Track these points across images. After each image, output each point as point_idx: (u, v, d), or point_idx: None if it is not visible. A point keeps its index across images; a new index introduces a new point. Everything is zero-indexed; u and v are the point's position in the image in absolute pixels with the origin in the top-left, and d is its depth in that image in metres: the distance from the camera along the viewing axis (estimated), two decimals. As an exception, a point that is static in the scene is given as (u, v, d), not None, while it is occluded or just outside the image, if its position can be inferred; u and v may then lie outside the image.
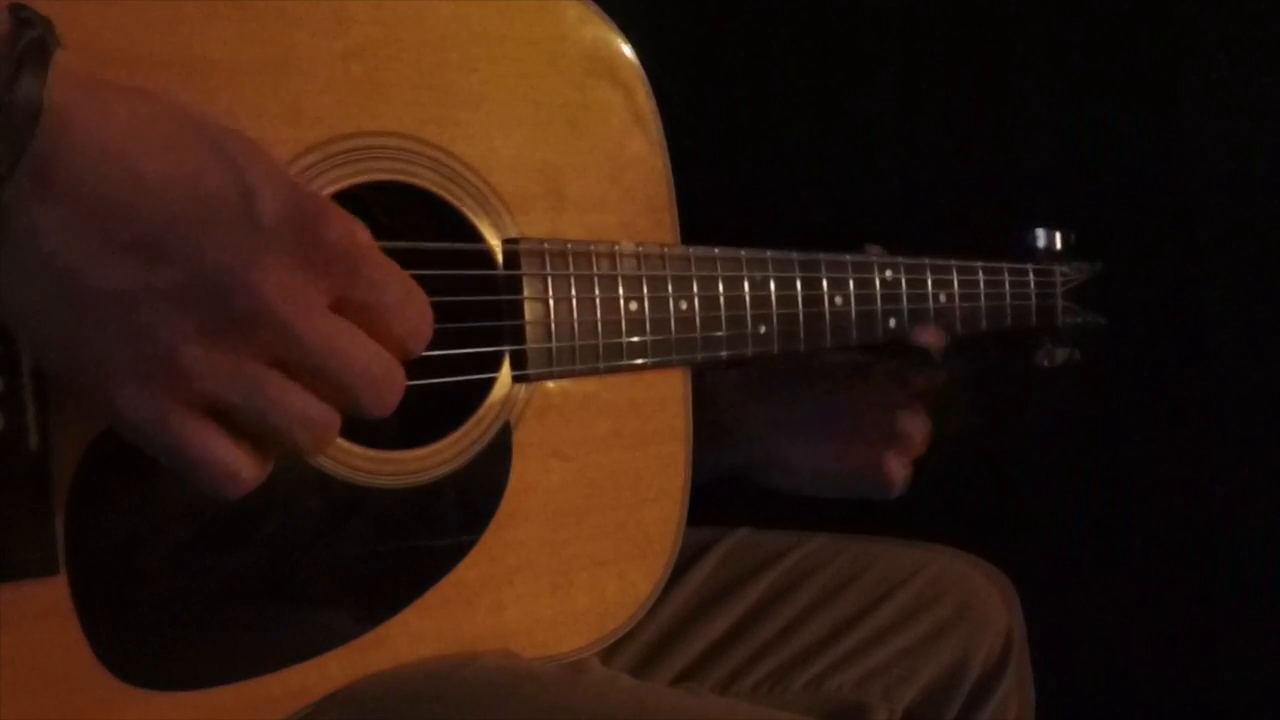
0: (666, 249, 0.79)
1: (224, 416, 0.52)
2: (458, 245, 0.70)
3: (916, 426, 0.98)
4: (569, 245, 0.74)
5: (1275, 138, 1.36)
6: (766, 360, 0.90)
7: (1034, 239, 1.10)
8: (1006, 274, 1.05)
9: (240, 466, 0.52)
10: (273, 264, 0.50)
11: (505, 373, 0.72)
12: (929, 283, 0.96)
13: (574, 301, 0.74)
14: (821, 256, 0.89)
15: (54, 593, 0.57)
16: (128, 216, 0.48)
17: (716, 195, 1.14)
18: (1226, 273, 1.39)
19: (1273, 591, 1.37)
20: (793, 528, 1.05)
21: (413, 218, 0.69)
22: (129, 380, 0.49)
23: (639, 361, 0.77)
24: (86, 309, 0.48)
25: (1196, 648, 1.42)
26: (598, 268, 0.75)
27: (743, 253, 0.84)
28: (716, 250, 0.82)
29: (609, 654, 0.87)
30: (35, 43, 0.47)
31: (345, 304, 0.53)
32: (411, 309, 0.55)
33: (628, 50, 0.79)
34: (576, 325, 0.74)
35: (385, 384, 0.54)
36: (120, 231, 0.48)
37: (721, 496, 0.97)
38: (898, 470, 0.98)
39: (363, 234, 0.53)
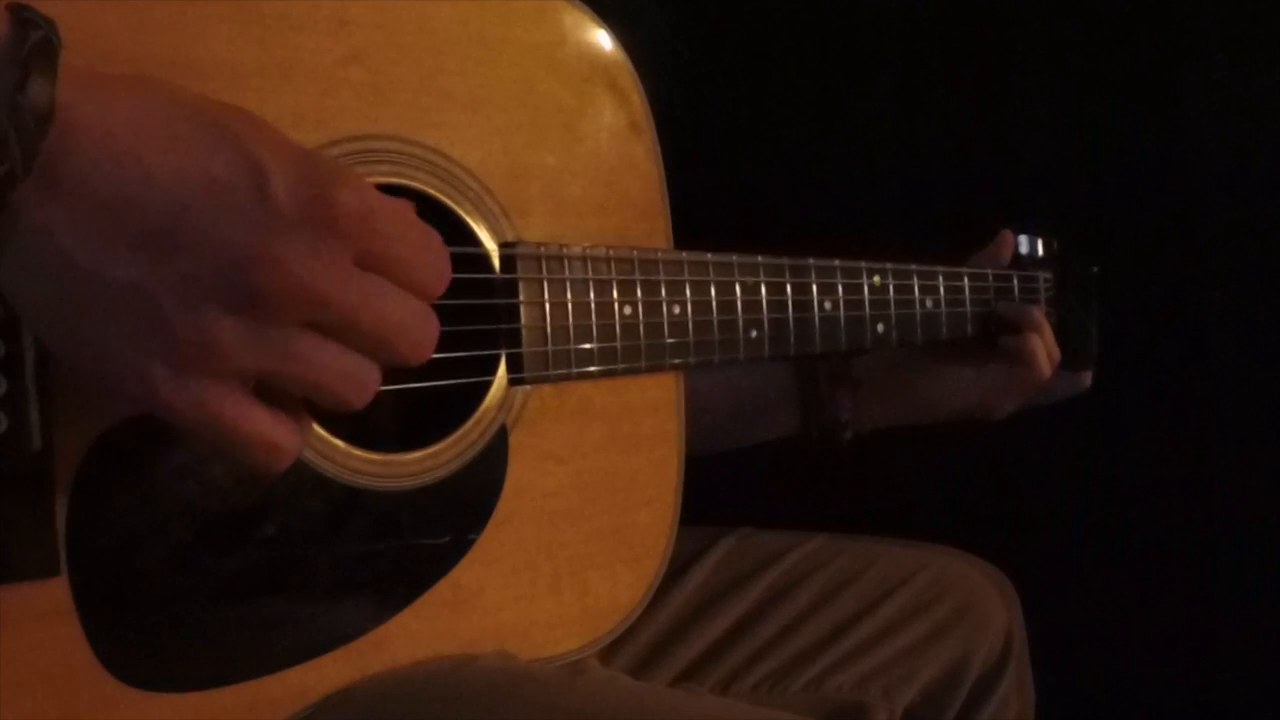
0: (660, 253, 0.79)
1: (261, 387, 0.51)
2: (454, 250, 0.70)
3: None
4: (564, 249, 0.74)
5: (1275, 138, 1.36)
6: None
7: (1017, 246, 1.11)
8: (991, 280, 1.06)
9: (281, 438, 0.52)
10: (294, 238, 0.49)
11: (501, 376, 0.72)
12: (915, 288, 0.98)
13: (569, 305, 0.74)
14: (811, 261, 0.89)
15: (55, 594, 0.58)
16: (137, 211, 0.48)
17: (717, 196, 1.14)
18: (1226, 273, 1.38)
19: (1273, 591, 1.36)
20: (793, 528, 1.06)
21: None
22: (166, 370, 0.49)
23: (633, 365, 0.78)
24: (103, 306, 0.48)
25: (1196, 648, 1.42)
26: (592, 272, 0.76)
27: (734, 257, 0.84)
28: (709, 255, 0.82)
29: (609, 654, 0.88)
30: (42, 43, 0.46)
31: (367, 258, 0.53)
32: (430, 254, 0.55)
33: (624, 56, 0.79)
34: (572, 329, 0.74)
35: (419, 330, 0.54)
36: (130, 226, 0.48)
37: (721, 497, 0.97)
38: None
39: (375, 191, 0.53)
